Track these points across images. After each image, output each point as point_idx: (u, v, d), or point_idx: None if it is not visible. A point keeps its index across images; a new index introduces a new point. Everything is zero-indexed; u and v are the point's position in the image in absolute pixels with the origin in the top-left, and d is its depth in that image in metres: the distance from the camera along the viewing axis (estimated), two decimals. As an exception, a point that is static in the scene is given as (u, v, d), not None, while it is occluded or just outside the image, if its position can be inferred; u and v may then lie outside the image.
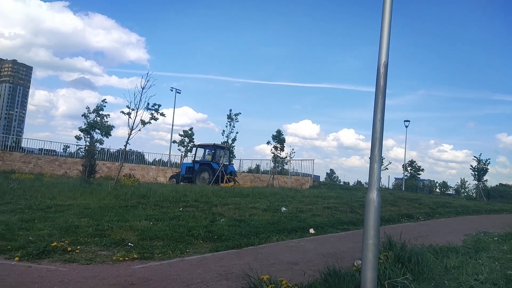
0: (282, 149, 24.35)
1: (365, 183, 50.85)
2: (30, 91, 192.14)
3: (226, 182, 20.90)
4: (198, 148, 24.03)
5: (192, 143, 26.75)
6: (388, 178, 50.70)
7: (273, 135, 24.42)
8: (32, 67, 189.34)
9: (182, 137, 26.97)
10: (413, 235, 6.98)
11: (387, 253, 4.60)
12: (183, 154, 27.67)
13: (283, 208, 11.47)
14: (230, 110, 21.23)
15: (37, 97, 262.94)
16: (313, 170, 27.11)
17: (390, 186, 46.85)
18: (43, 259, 4.90)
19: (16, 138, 36.11)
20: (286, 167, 28.06)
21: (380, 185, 4.25)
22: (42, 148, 29.62)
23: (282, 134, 24.57)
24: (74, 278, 4.21)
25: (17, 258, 4.77)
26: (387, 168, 38.11)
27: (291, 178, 26.68)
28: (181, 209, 10.10)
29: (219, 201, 11.80)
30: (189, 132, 27.09)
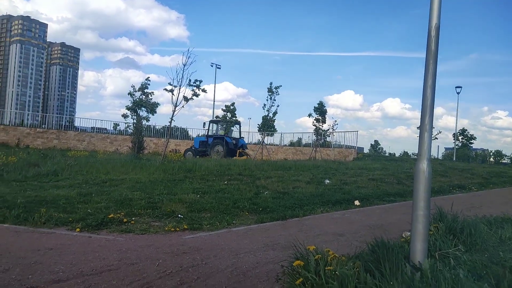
0: (324, 121, 23.91)
1: (412, 154, 49.08)
2: (79, 72, 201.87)
3: (238, 156, 22.18)
4: (211, 123, 24.92)
5: (234, 118, 26.99)
6: (437, 148, 48.63)
7: (314, 107, 24.00)
8: (79, 49, 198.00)
9: (224, 112, 27.23)
10: (466, 206, 6.70)
11: (437, 225, 4.46)
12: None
13: (327, 181, 11.40)
14: (271, 83, 21.02)
15: (86, 78, 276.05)
16: (356, 142, 26.53)
17: (440, 156, 44.90)
18: (101, 229, 5.25)
19: (70, 117, 38.43)
20: (328, 139, 27.66)
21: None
22: (94, 127, 31.30)
23: (324, 106, 24.07)
24: (131, 247, 4.51)
25: (78, 229, 5.15)
26: (436, 138, 36.34)
27: (334, 150, 26.32)
28: (225, 182, 10.35)
29: (262, 175, 11.95)
30: (231, 107, 27.26)
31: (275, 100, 21.34)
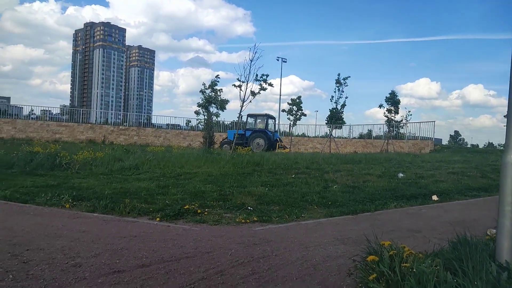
0: (396, 112, 22.76)
1: (498, 145, 44.59)
2: (155, 73, 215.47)
3: (279, 148, 23.01)
4: (249, 117, 25.38)
5: (300, 112, 26.84)
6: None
7: (386, 97, 22.93)
8: (155, 51, 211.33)
9: (290, 106, 27.18)
10: None
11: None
12: (291, 122, 28.01)
13: (400, 174, 10.85)
14: (339, 75, 20.53)
15: (161, 77, 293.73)
16: (433, 133, 24.81)
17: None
18: (178, 219, 5.59)
19: (147, 115, 41.31)
20: (401, 131, 26.23)
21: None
22: (168, 123, 33.36)
23: (397, 96, 22.89)
24: (205, 236, 4.74)
25: (158, 219, 5.54)
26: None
27: (408, 142, 24.92)
28: (293, 176, 10.37)
29: (330, 168, 11.74)
30: (297, 100, 27.15)
31: (343, 91, 20.83)
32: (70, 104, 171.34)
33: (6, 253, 3.63)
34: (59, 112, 38.22)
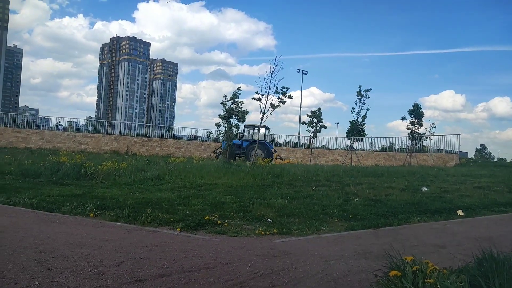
0: (420, 124, 22.33)
1: (528, 159, 42.86)
2: (178, 85, 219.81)
3: (277, 159, 23.25)
4: (246, 128, 25.49)
5: (320, 124, 26.71)
6: (560, 153, 41.83)
7: (409, 109, 22.56)
8: (177, 64, 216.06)
9: (311, 118, 27.10)
10: None
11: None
12: (312, 135, 27.86)
13: (424, 188, 10.60)
14: (360, 87, 20.42)
15: (183, 90, 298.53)
16: (459, 146, 24.12)
17: None
18: (198, 230, 5.63)
19: (169, 127, 42.00)
20: (425, 143, 25.70)
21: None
22: (190, 135, 33.81)
23: (420, 108, 22.49)
24: (225, 248, 4.75)
25: (178, 229, 5.60)
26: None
27: (432, 155, 24.33)
28: (313, 188, 10.28)
29: (351, 181, 11.59)
30: (317, 112, 27.05)
31: (364, 103, 20.69)
32: (96, 115, 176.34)
33: (33, 260, 3.74)
34: (85, 123, 39.39)
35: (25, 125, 33.40)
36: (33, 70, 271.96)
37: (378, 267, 3.58)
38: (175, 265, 3.90)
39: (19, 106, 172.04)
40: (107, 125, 34.58)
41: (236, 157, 23.64)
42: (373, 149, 30.49)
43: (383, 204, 8.24)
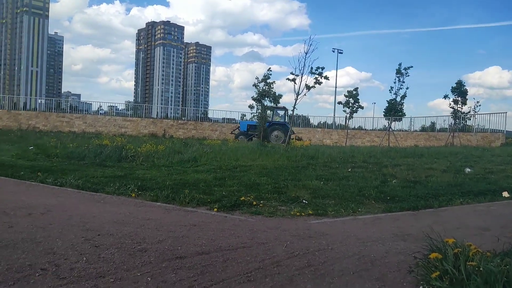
0: (463, 103, 21.28)
1: None
2: (211, 68, 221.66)
3: (296, 140, 22.94)
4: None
5: (357, 104, 26.05)
6: None
7: (452, 87, 21.49)
8: (211, 47, 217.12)
9: (347, 98, 26.48)
10: None
11: None
12: (347, 115, 27.28)
13: (468, 169, 10.14)
14: (399, 65, 19.65)
15: (217, 73, 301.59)
16: (505, 125, 22.80)
17: None
18: (234, 210, 5.74)
19: (204, 110, 42.69)
20: (469, 123, 24.52)
21: None
22: (224, 118, 34.16)
23: (463, 85, 21.37)
24: (261, 228, 4.82)
25: (215, 209, 5.73)
26: None
27: (476, 135, 23.17)
28: (349, 169, 10.13)
29: (389, 162, 11.31)
30: (354, 92, 26.38)
31: (403, 82, 19.96)
32: (134, 100, 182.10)
33: (80, 238, 3.97)
34: (124, 107, 40.83)
35: (68, 110, 35.11)
36: (74, 56, 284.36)
37: (417, 250, 3.50)
38: (213, 244, 4.00)
39: (62, 92, 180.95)
40: (145, 109, 35.61)
41: (253, 138, 23.89)
42: (412, 129, 29.50)
43: (423, 186, 7.99)
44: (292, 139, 23.92)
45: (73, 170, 8.71)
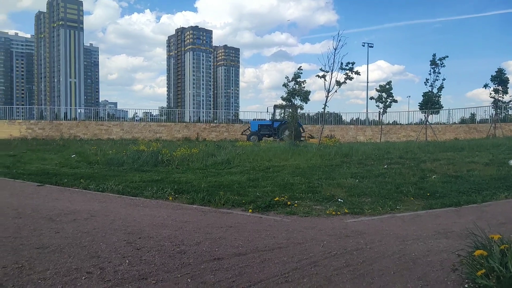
0: (505, 92, 20.20)
1: None
2: (240, 70, 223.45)
3: (308, 138, 23.85)
4: (275, 108, 26.23)
5: (390, 98, 25.32)
6: None
7: (492, 76, 20.45)
8: (239, 49, 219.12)
9: (380, 93, 25.78)
10: None
11: None
12: (381, 110, 26.57)
13: (512, 161, 9.62)
14: (434, 55, 18.91)
15: (246, 74, 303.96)
16: (553, 114, 21.38)
17: None
18: (269, 211, 5.75)
19: (235, 112, 43.08)
20: (511, 112, 23.17)
21: None
22: (255, 118, 34.23)
23: (505, 73, 20.27)
24: (296, 228, 4.81)
25: (250, 210, 5.77)
26: None
27: (520, 125, 21.90)
28: (385, 166, 9.89)
29: (427, 157, 10.94)
30: (387, 86, 25.66)
31: (439, 73, 19.18)
32: (167, 105, 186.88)
33: (122, 241, 4.13)
34: (158, 113, 41.99)
35: (106, 118, 36.54)
36: (109, 66, 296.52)
37: (461, 247, 3.38)
38: (250, 245, 4.04)
39: (100, 101, 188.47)
40: (178, 113, 36.46)
41: (263, 138, 24.30)
42: (451, 122, 28.35)
43: (465, 181, 7.66)
44: (304, 137, 24.11)
45: (113, 176, 9.05)
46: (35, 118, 32.39)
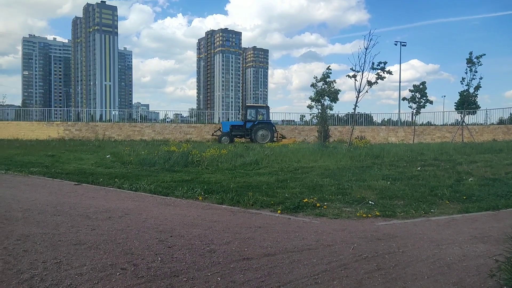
0: (548, 90, 19.04)
1: None
2: (269, 71, 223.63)
3: (279, 139, 24.02)
4: (248, 109, 26.12)
5: (424, 98, 24.51)
6: None
7: (533, 74, 19.35)
8: (268, 50, 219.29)
9: (413, 93, 24.98)
10: None
11: None
12: (414, 111, 25.75)
13: (557, 164, 9.10)
14: (470, 53, 18.10)
15: (275, 75, 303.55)
16: None
17: None
18: (298, 212, 5.73)
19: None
20: (556, 112, 21.88)
21: None
22: (283, 120, 34.21)
23: (548, 71, 19.12)
24: (326, 230, 4.76)
25: (279, 211, 5.77)
26: None
27: None
28: (419, 168, 9.60)
29: (463, 159, 10.53)
30: (421, 86, 24.83)
31: (476, 72, 18.34)
32: (197, 107, 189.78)
33: (155, 239, 4.25)
34: (188, 115, 42.74)
35: (139, 120, 37.56)
36: (143, 69, 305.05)
37: (498, 252, 3.23)
38: (278, 246, 4.04)
39: (133, 103, 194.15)
40: (207, 115, 36.89)
41: (235, 139, 24.37)
42: (488, 123, 27.12)
43: (503, 184, 7.32)
44: (275, 137, 24.28)
45: (145, 175, 9.30)
46: (72, 119, 33.84)
